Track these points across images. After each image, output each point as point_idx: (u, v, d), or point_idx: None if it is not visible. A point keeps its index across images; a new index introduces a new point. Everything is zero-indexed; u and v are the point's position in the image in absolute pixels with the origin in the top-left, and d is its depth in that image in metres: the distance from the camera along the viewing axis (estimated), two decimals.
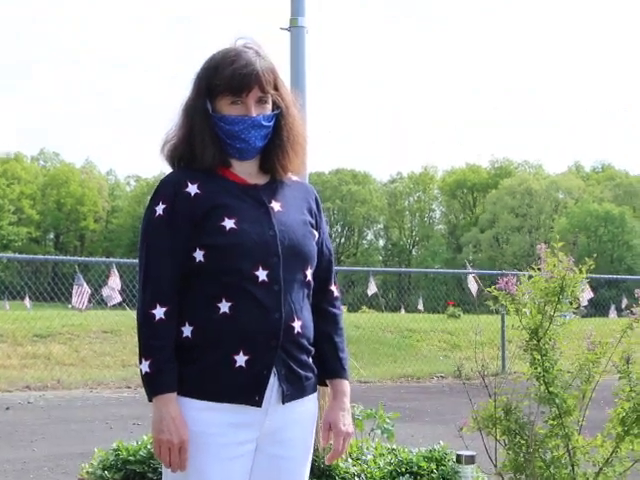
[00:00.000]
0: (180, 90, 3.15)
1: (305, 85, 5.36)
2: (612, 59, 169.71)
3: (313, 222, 3.18)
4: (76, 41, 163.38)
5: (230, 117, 3.02)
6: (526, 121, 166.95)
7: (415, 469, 4.39)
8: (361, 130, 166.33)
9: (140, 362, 2.94)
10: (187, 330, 2.97)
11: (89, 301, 18.98)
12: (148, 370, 2.91)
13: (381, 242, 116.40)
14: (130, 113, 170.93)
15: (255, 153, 3.08)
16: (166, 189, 3.03)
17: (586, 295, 19.31)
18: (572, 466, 5.58)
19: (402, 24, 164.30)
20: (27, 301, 28.74)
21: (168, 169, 3.13)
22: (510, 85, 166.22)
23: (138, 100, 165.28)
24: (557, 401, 5.58)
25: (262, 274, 2.96)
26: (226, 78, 3.00)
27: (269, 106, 3.06)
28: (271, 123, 3.07)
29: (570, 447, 5.57)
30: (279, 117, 3.09)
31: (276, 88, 3.09)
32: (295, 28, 5.43)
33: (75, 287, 18.38)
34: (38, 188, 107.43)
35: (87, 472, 4.74)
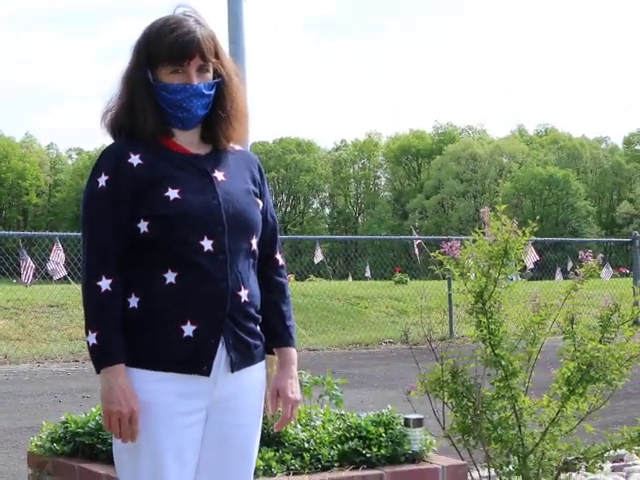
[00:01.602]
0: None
1: (244, 54, 5.33)
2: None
3: (257, 191, 3.18)
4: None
5: (172, 85, 2.99)
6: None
7: (364, 433, 4.42)
8: (304, 98, 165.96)
9: (87, 334, 2.92)
10: (133, 301, 2.96)
11: (34, 276, 18.94)
12: (95, 342, 2.90)
13: (327, 210, 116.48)
14: (72, 85, 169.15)
15: (197, 122, 3.06)
16: (108, 160, 3.01)
17: (531, 258, 19.50)
18: (519, 427, 5.66)
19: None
20: None
21: (109, 140, 3.10)
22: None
23: (76, 73, 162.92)
24: (503, 363, 5.64)
25: (207, 244, 2.96)
26: (167, 46, 2.97)
27: (210, 75, 3.04)
28: (212, 92, 3.05)
29: (517, 408, 5.64)
30: (221, 86, 3.07)
31: (217, 56, 3.07)
32: None
33: (22, 262, 18.40)
34: None
35: (36, 445, 4.73)
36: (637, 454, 5.95)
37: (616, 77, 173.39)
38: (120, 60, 3.12)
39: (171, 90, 3.00)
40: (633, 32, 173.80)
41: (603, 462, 6.05)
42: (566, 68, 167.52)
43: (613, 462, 6.59)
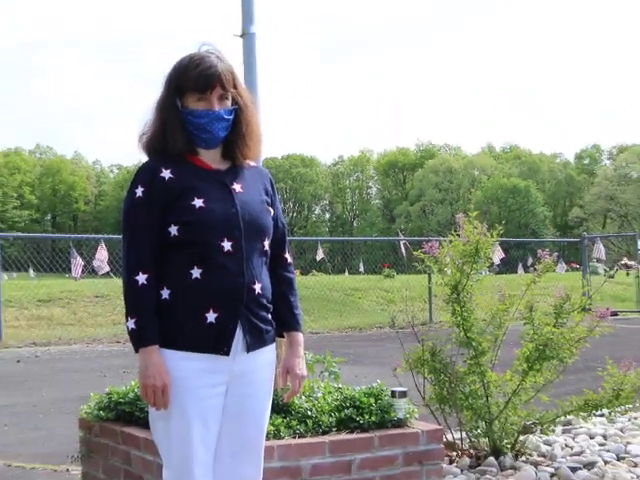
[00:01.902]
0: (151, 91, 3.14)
1: (257, 84, 5.33)
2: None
3: (269, 200, 3.18)
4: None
5: (197, 111, 3.01)
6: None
7: (357, 403, 4.41)
8: (307, 119, 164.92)
9: (127, 320, 2.94)
10: (165, 293, 2.97)
11: (82, 271, 19.08)
12: (134, 327, 2.92)
13: (327, 215, 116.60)
14: (109, 109, 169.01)
15: (218, 142, 3.07)
16: (144, 174, 3.02)
17: (498, 255, 19.48)
18: (486, 397, 5.67)
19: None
20: (31, 272, 28.86)
21: (145, 157, 3.11)
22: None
23: (116, 98, 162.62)
24: (474, 344, 5.65)
25: (227, 245, 2.97)
26: (193, 78, 2.99)
27: (229, 102, 3.06)
28: (231, 116, 3.06)
29: (485, 382, 5.65)
30: (238, 111, 3.08)
31: (235, 87, 3.08)
32: (246, 35, 5.40)
33: (72, 260, 18.58)
34: (36, 177, 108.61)
35: (86, 412, 4.73)
36: (583, 419, 5.97)
37: (567, 98, 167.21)
38: (150, 86, 3.13)
39: (196, 115, 3.01)
40: (580, 58, 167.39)
41: (555, 426, 6.08)
42: (528, 92, 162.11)
43: (563, 426, 6.59)
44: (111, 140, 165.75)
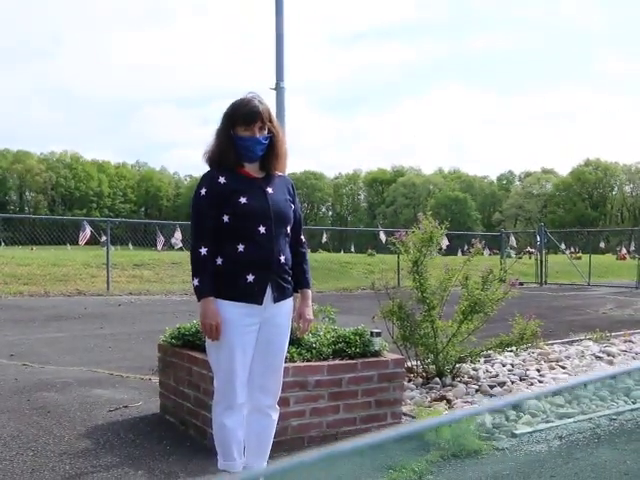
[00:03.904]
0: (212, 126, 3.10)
1: (285, 119, 5.29)
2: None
3: (290, 199, 3.14)
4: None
5: (244, 137, 2.97)
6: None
7: (347, 339, 4.36)
8: (317, 147, 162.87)
9: (192, 279, 2.93)
10: (219, 261, 2.94)
11: (163, 245, 19.20)
12: (197, 284, 2.90)
13: (330, 213, 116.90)
14: (184, 139, 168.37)
15: (257, 159, 3.03)
16: (206, 179, 2.99)
17: (445, 242, 19.38)
18: (435, 338, 5.63)
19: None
20: (130, 246, 29.11)
21: (207, 168, 3.08)
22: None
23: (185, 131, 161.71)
24: (427, 301, 5.61)
25: (262, 229, 2.94)
26: (242, 115, 2.96)
27: (265, 131, 3.02)
28: (266, 141, 3.02)
29: (434, 327, 5.61)
30: (272, 138, 3.04)
31: (270, 121, 3.04)
32: (279, 89, 5.35)
33: (157, 238, 18.77)
34: (135, 182, 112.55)
35: (163, 340, 4.70)
36: (498, 353, 5.99)
37: (499, 126, 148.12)
38: (208, 124, 3.10)
39: (244, 140, 2.97)
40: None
41: (480, 357, 6.04)
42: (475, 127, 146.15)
43: (485, 357, 6.56)
44: (185, 157, 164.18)
